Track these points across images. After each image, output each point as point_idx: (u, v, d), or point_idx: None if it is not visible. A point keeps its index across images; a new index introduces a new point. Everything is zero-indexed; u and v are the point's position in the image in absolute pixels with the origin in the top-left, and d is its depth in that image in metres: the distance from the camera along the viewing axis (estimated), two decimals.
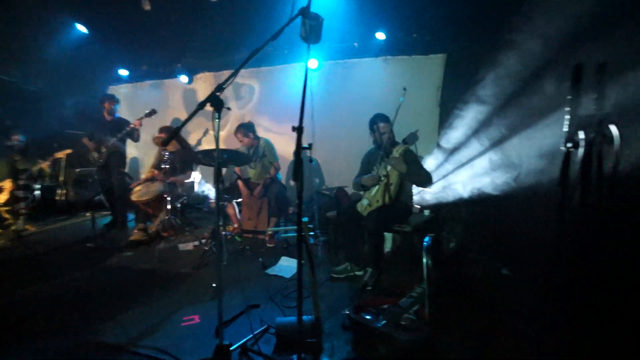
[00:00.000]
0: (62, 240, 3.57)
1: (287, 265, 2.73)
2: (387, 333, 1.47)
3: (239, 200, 3.68)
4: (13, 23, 4.07)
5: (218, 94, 1.33)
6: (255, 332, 1.68)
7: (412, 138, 2.48)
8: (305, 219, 1.46)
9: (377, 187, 2.50)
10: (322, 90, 4.41)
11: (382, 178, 2.47)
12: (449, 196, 3.14)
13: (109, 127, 3.68)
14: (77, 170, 4.69)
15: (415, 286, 1.99)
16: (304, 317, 1.68)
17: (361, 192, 2.69)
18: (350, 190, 4.48)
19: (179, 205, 3.53)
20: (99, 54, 4.82)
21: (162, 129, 3.69)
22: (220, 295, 1.43)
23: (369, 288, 2.25)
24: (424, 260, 1.56)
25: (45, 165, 4.04)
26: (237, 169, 3.63)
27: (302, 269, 1.21)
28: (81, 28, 4.36)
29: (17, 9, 3.91)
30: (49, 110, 5.03)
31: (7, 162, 3.85)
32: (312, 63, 4.21)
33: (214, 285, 2.22)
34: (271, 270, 2.62)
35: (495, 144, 2.72)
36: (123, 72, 5.22)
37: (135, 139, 3.78)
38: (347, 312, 1.71)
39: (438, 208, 2.95)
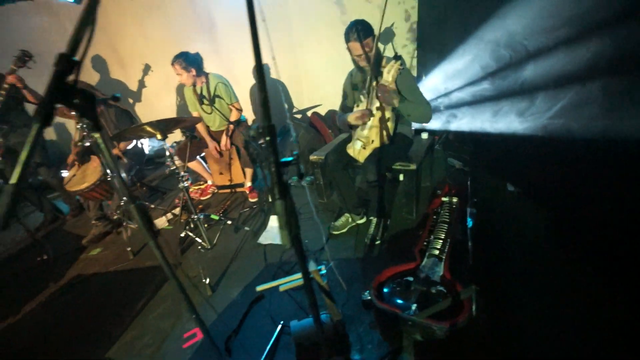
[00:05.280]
0: None
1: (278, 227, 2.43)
2: (424, 325, 1.27)
3: (203, 154, 3.10)
4: None
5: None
6: (270, 343, 1.48)
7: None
8: (313, 266, 1.03)
9: (369, 123, 1.99)
10: None
11: (374, 111, 1.94)
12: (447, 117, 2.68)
13: None
14: None
15: (427, 234, 1.76)
16: (322, 316, 1.47)
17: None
18: (323, 109, 3.88)
19: (129, 178, 2.89)
20: None
21: None
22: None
23: (379, 242, 2.03)
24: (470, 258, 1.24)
25: None
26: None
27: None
28: None
29: None
30: None
31: None
32: None
33: (205, 281, 1.91)
34: (263, 239, 2.31)
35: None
36: None
37: (20, 102, 2.60)
38: (369, 297, 1.49)
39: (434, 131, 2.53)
